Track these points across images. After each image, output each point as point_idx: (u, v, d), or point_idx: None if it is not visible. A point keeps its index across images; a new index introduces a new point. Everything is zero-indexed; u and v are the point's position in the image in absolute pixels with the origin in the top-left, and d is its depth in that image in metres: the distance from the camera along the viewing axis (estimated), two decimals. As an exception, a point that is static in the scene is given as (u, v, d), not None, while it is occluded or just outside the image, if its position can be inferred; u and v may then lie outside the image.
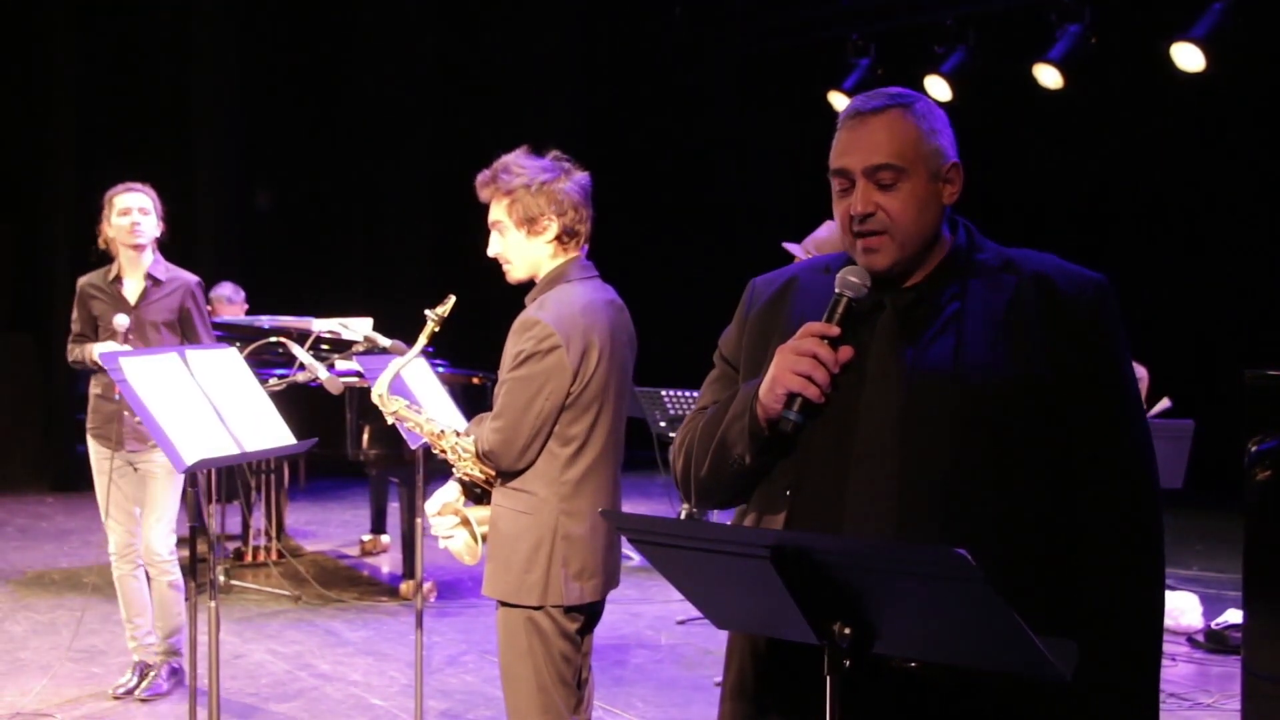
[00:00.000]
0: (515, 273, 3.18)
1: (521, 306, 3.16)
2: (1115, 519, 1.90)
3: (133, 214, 4.94)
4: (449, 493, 3.24)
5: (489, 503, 3.19)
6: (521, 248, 3.14)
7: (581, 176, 3.16)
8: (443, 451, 3.22)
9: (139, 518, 5.05)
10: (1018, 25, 9.22)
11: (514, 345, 3.04)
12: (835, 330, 1.89)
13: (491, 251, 3.19)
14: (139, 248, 4.98)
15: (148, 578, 5.08)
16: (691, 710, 5.07)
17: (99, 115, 10.98)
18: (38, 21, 10.94)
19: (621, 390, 3.18)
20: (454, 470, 3.23)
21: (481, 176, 3.16)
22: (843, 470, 1.91)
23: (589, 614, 3.17)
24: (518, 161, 3.13)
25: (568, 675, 3.09)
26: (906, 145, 1.91)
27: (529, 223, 3.10)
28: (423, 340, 3.22)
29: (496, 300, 4.58)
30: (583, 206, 3.14)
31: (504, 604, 3.08)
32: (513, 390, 3.02)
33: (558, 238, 3.11)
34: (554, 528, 3.03)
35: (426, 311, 3.22)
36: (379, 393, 3.29)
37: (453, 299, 3.20)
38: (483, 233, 3.21)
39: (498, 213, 3.14)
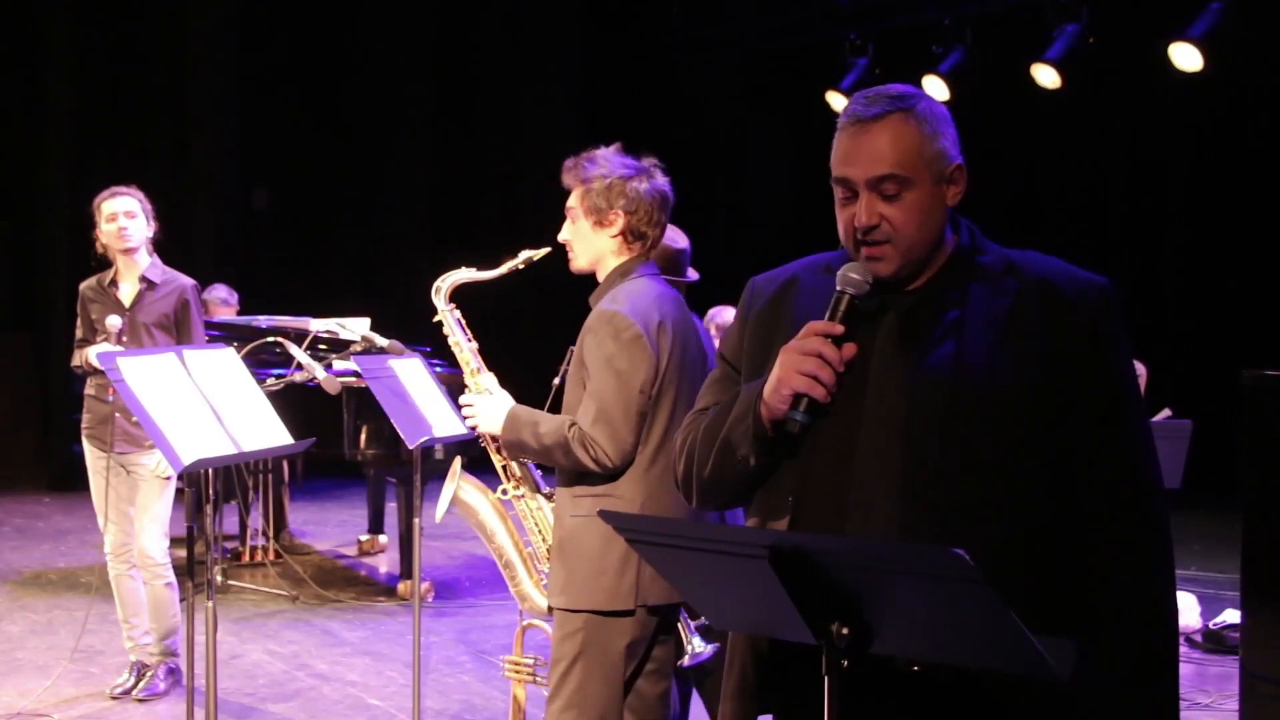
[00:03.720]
0: (578, 261, 3.19)
1: (515, 312, 3.15)
2: (1123, 521, 1.89)
3: (119, 219, 4.95)
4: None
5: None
6: (587, 238, 3.14)
7: (663, 183, 3.16)
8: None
9: (134, 518, 5.04)
10: (1015, 25, 9.22)
11: (595, 342, 3.01)
12: (839, 329, 1.88)
13: (561, 237, 3.20)
14: (130, 251, 4.99)
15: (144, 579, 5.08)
16: (690, 710, 5.06)
17: (96, 115, 10.98)
18: (35, 22, 10.93)
19: (695, 383, 3.12)
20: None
21: (567, 162, 3.17)
22: (845, 474, 1.90)
23: (667, 619, 3.13)
24: (603, 154, 3.14)
25: (619, 686, 3.04)
26: (910, 153, 1.89)
27: (597, 214, 3.10)
28: (504, 269, 3.31)
29: (497, 300, 4.59)
30: (656, 210, 3.13)
31: (583, 611, 3.02)
32: (606, 387, 2.98)
33: (623, 234, 3.11)
34: None
35: (525, 251, 3.29)
36: (441, 287, 3.35)
37: (548, 249, 3.26)
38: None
39: (572, 199, 3.15)
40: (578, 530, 3.03)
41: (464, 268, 3.40)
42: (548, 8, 12.28)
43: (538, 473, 3.30)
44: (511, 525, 3.34)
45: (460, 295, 3.41)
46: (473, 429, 3.27)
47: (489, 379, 3.31)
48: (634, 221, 3.11)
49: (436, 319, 3.41)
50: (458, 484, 3.39)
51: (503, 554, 3.33)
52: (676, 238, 4.02)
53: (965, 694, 1.82)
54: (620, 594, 2.99)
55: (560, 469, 3.10)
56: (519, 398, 3.24)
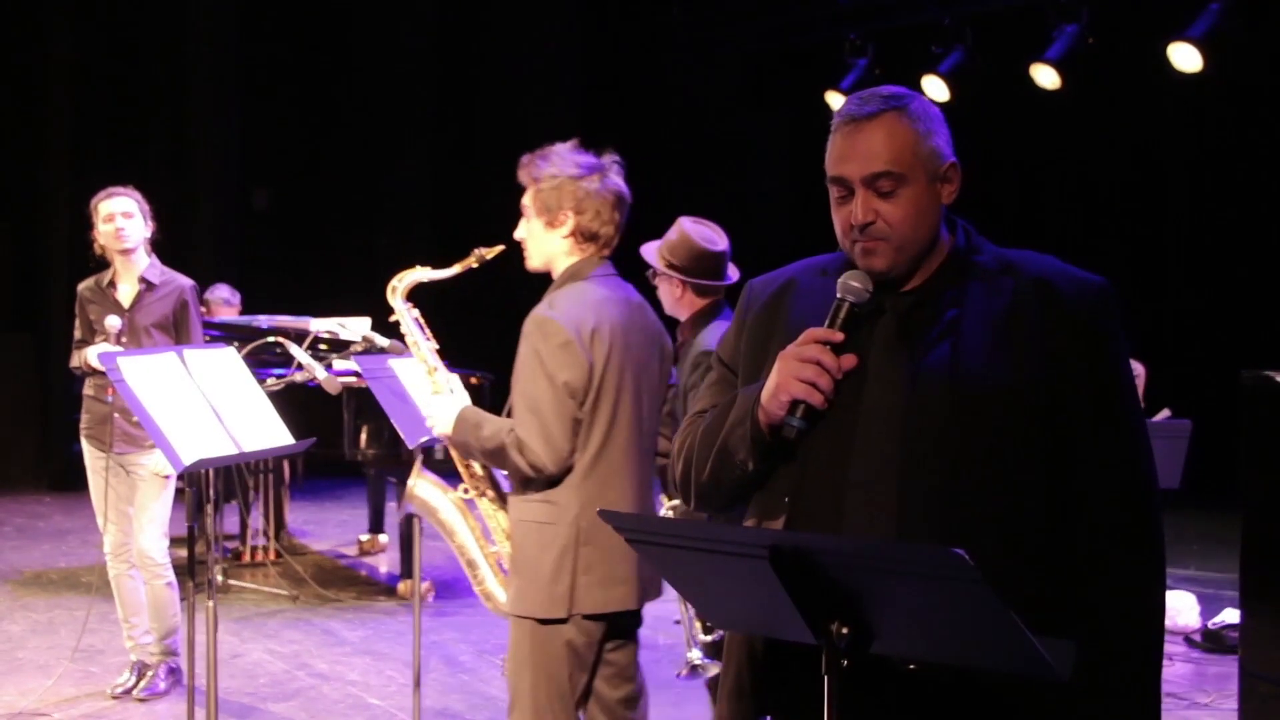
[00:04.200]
0: (531, 260, 3.16)
1: (521, 307, 3.15)
2: (1115, 521, 1.90)
3: (116, 219, 4.95)
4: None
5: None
6: (539, 237, 3.11)
7: (616, 182, 3.11)
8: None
9: (133, 518, 5.04)
10: (1015, 25, 9.22)
11: (526, 345, 2.99)
12: (839, 336, 1.89)
13: (517, 235, 3.17)
14: (127, 252, 4.99)
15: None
16: (688, 710, 5.07)
17: (96, 115, 10.97)
18: (35, 21, 10.93)
19: (640, 388, 3.11)
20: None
21: (523, 158, 3.13)
22: (842, 475, 1.91)
23: (615, 625, 3.10)
24: (557, 152, 3.10)
25: (567, 692, 3.03)
26: (904, 150, 1.90)
27: (547, 213, 3.07)
28: (457, 269, 3.28)
29: (495, 301, 4.60)
30: (608, 210, 3.08)
31: (524, 618, 3.03)
32: (536, 392, 2.95)
33: (574, 234, 3.08)
34: (575, 534, 2.97)
35: (477, 250, 3.25)
36: (397, 286, 3.33)
37: (501, 247, 3.23)
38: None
39: (525, 198, 3.12)
40: (519, 536, 3.04)
41: (419, 267, 3.39)
42: (548, 8, 12.28)
43: (500, 474, 3.27)
44: (474, 523, 3.31)
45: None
46: (430, 430, 3.25)
47: (447, 378, 3.29)
48: (584, 222, 3.06)
49: (394, 318, 3.38)
50: (414, 481, 3.39)
51: (464, 552, 3.31)
52: (715, 239, 3.90)
53: (965, 694, 1.82)
54: (553, 601, 2.97)
55: (508, 473, 3.10)
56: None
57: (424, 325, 3.40)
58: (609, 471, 3.02)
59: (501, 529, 3.24)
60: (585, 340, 2.97)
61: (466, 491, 3.28)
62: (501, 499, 3.25)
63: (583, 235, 3.08)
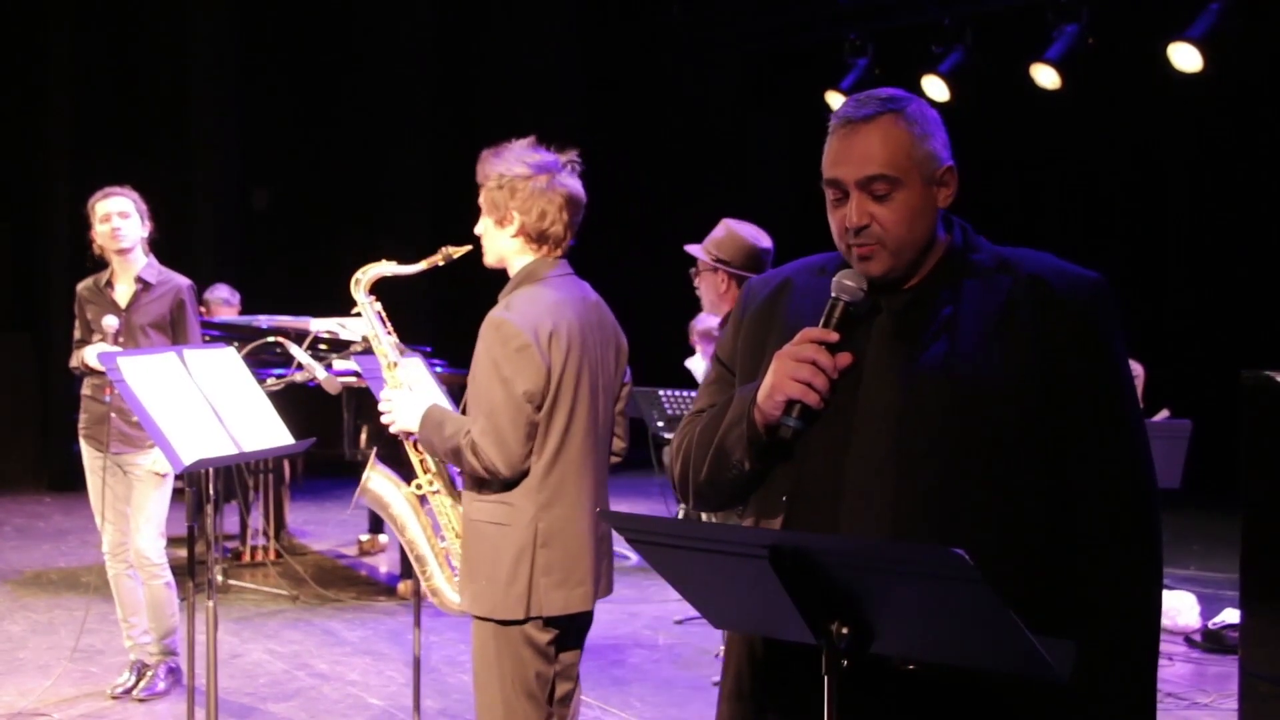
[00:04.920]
0: (486, 258, 3.16)
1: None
2: (1113, 519, 1.90)
3: (113, 219, 4.95)
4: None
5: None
6: (490, 235, 3.11)
7: (567, 181, 3.07)
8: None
9: (130, 518, 5.04)
10: (1015, 25, 9.23)
11: (483, 347, 2.97)
12: (834, 336, 1.89)
13: (476, 230, 3.16)
14: (124, 252, 4.99)
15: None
16: (689, 710, 5.07)
17: (96, 114, 10.97)
18: (35, 21, 10.93)
19: (597, 389, 3.09)
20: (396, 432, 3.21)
21: (482, 153, 3.13)
22: (839, 474, 1.91)
23: (571, 625, 3.10)
24: (511, 149, 3.08)
25: (536, 689, 3.02)
26: (899, 154, 1.89)
27: (496, 212, 3.06)
28: (423, 265, 3.26)
29: (494, 301, 4.59)
30: (561, 211, 3.04)
31: (481, 619, 3.03)
32: (491, 396, 2.93)
33: (522, 234, 3.05)
34: (533, 536, 2.96)
35: (444, 248, 3.23)
36: (361, 279, 3.32)
37: (470, 246, 3.21)
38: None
39: (480, 196, 3.11)
40: (474, 536, 3.03)
41: (385, 261, 3.37)
42: (548, 8, 12.28)
43: (454, 469, 3.26)
44: (425, 519, 3.31)
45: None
46: (388, 425, 3.22)
47: (407, 373, 3.29)
48: (529, 222, 3.03)
49: (356, 311, 3.36)
50: (368, 474, 3.38)
51: (414, 547, 3.31)
52: (761, 236, 4.07)
53: (965, 694, 1.82)
54: (512, 603, 2.96)
55: (461, 473, 3.10)
56: None
57: (385, 319, 3.38)
58: (566, 473, 3.00)
59: (453, 526, 3.22)
60: (543, 343, 2.94)
61: (419, 487, 3.26)
62: (455, 495, 3.23)
63: (530, 235, 3.05)
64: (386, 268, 3.36)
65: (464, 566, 3.09)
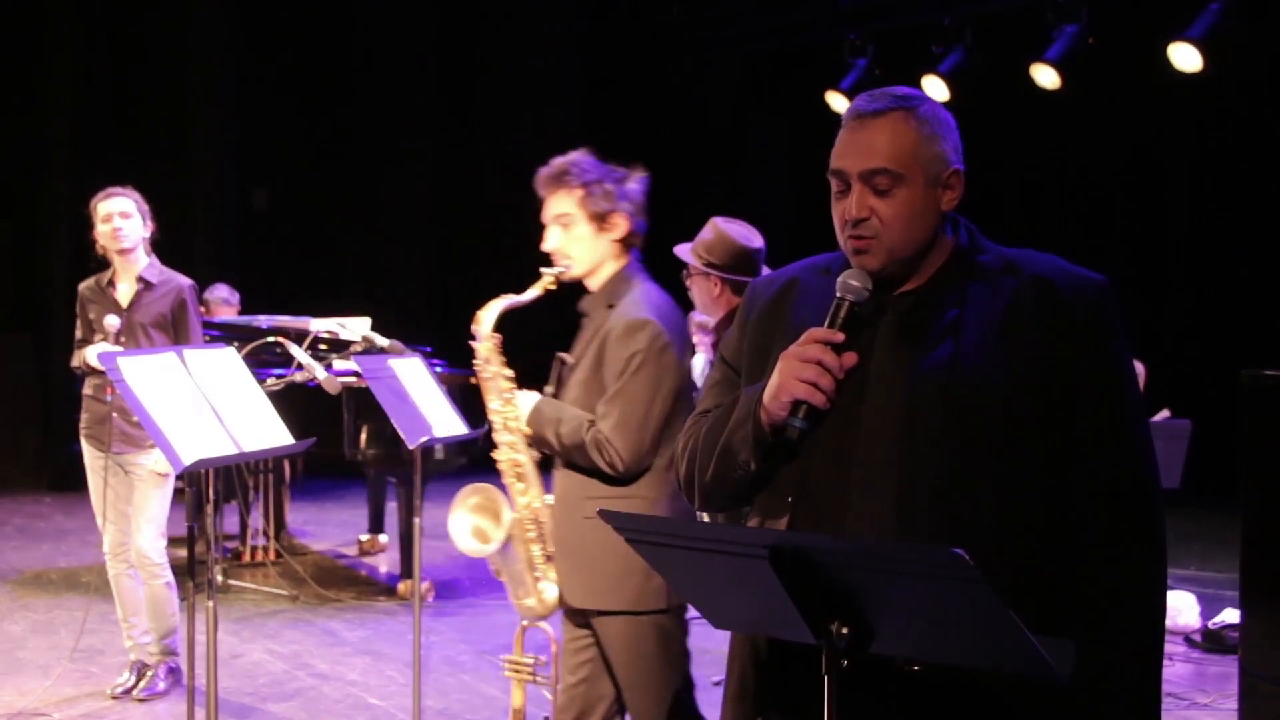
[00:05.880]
0: (575, 269, 3.13)
1: (519, 308, 3.14)
2: (1117, 520, 1.90)
3: (114, 219, 4.96)
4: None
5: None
6: (588, 243, 3.10)
7: (645, 180, 3.16)
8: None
9: (131, 518, 5.04)
10: (1015, 25, 9.23)
11: (624, 348, 2.99)
12: (839, 336, 1.88)
13: (550, 246, 3.13)
14: (125, 252, 4.99)
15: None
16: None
17: (97, 115, 10.98)
18: (36, 22, 10.93)
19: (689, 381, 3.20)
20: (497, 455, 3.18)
21: (546, 170, 3.11)
22: (844, 474, 1.91)
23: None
24: (587, 160, 3.11)
25: (690, 678, 3.12)
26: (905, 150, 1.89)
27: (599, 219, 3.08)
28: (536, 291, 3.16)
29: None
30: (643, 212, 3.16)
31: (624, 613, 3.02)
32: (633, 394, 2.97)
33: (624, 238, 3.11)
34: None
35: (545, 271, 3.16)
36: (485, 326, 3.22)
37: (564, 268, 3.14)
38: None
39: (566, 205, 3.09)
40: (590, 533, 2.99)
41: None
42: (548, 8, 12.28)
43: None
44: (523, 541, 3.24)
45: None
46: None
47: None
48: (633, 225, 3.11)
49: (482, 358, 3.26)
50: (461, 545, 3.31)
51: (508, 571, 3.28)
52: (751, 236, 3.96)
53: (965, 694, 1.82)
54: (655, 592, 2.98)
55: (573, 468, 3.09)
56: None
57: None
58: None
59: (538, 532, 3.20)
60: (677, 342, 3.05)
61: (515, 510, 3.20)
62: (542, 494, 3.22)
63: (627, 237, 3.12)
64: (505, 302, 3.23)
65: (574, 565, 3.08)
